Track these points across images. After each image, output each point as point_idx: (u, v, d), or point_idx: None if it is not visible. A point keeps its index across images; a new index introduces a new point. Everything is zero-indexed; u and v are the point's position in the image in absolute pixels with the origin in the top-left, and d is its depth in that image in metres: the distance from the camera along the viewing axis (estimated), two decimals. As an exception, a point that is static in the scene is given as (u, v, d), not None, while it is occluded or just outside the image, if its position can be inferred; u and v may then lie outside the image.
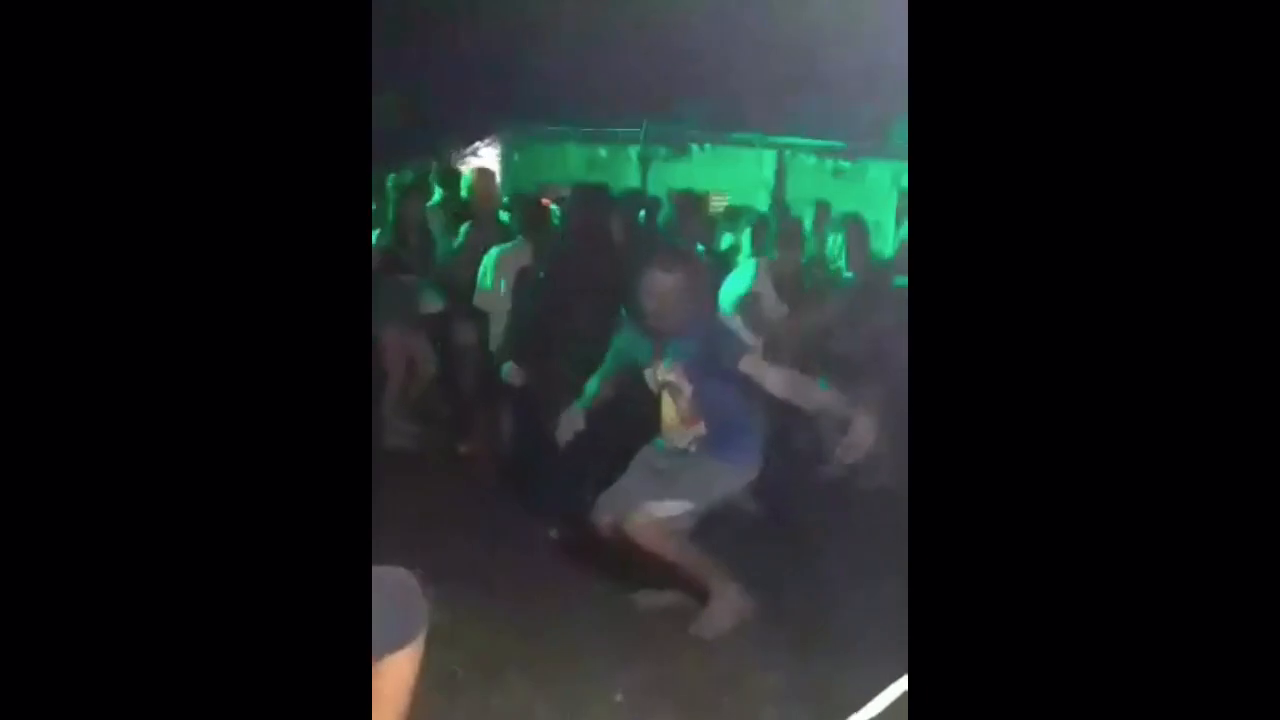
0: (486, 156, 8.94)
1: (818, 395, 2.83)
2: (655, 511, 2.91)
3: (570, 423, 3.05)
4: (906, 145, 1.27)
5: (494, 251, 4.32)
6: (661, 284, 2.88)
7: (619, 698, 2.53)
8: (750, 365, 2.82)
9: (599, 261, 3.66)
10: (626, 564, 3.06)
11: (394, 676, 1.74)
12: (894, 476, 4.01)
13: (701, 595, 2.99)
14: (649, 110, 7.91)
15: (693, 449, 2.99)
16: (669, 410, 3.00)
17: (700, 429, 2.98)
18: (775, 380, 2.80)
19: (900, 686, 1.91)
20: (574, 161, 9.40)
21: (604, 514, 3.04)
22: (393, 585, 1.76)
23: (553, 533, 3.67)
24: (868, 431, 2.74)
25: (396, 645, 1.73)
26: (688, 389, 2.94)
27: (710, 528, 3.12)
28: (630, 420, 3.17)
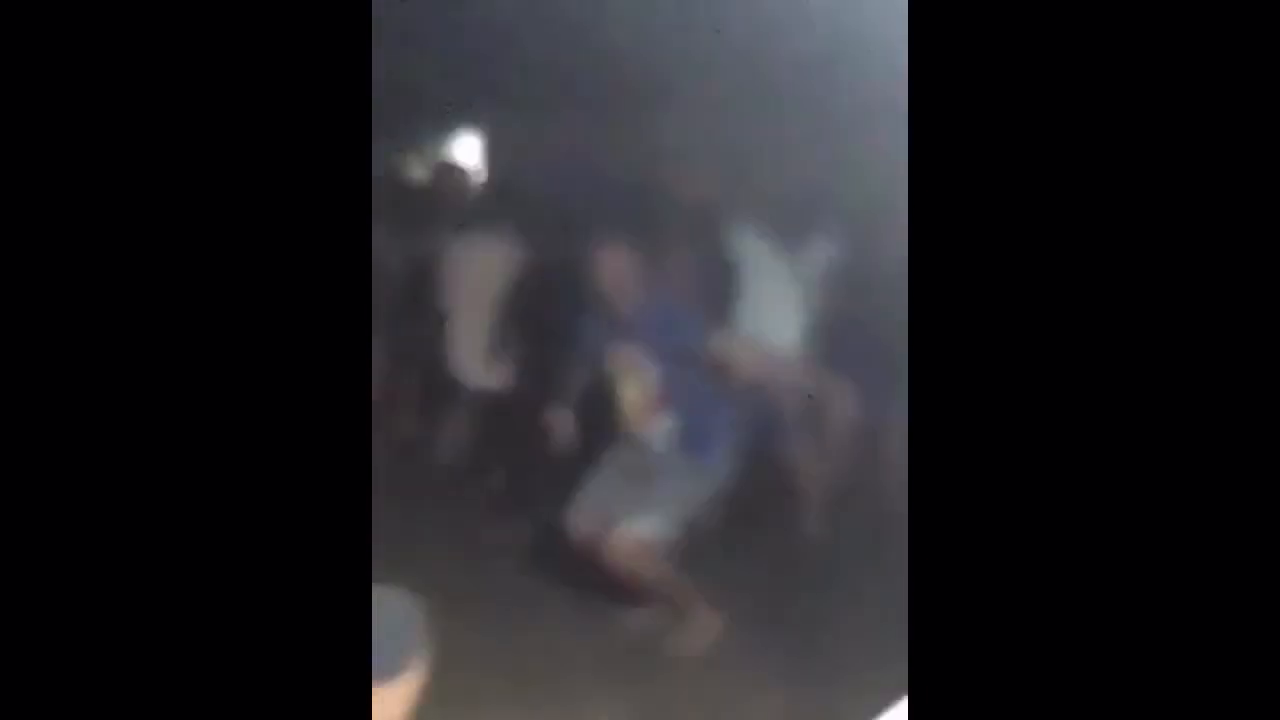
0: (466, 145, 8.83)
1: (790, 370, 2.73)
2: (636, 533, 2.82)
3: (563, 422, 2.94)
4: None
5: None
6: (614, 262, 2.79)
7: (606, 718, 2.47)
8: (719, 344, 2.69)
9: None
10: (601, 577, 3.02)
11: (389, 706, 1.65)
12: (892, 490, 3.96)
13: (677, 613, 2.96)
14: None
15: (663, 445, 2.88)
16: (632, 394, 2.88)
17: (666, 420, 2.86)
18: (746, 359, 2.68)
19: (900, 711, 1.84)
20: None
21: (579, 523, 2.95)
22: (392, 607, 1.66)
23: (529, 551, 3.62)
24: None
25: (393, 672, 1.64)
26: (651, 370, 2.83)
27: (695, 543, 3.07)
28: (598, 414, 3.08)
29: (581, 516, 2.95)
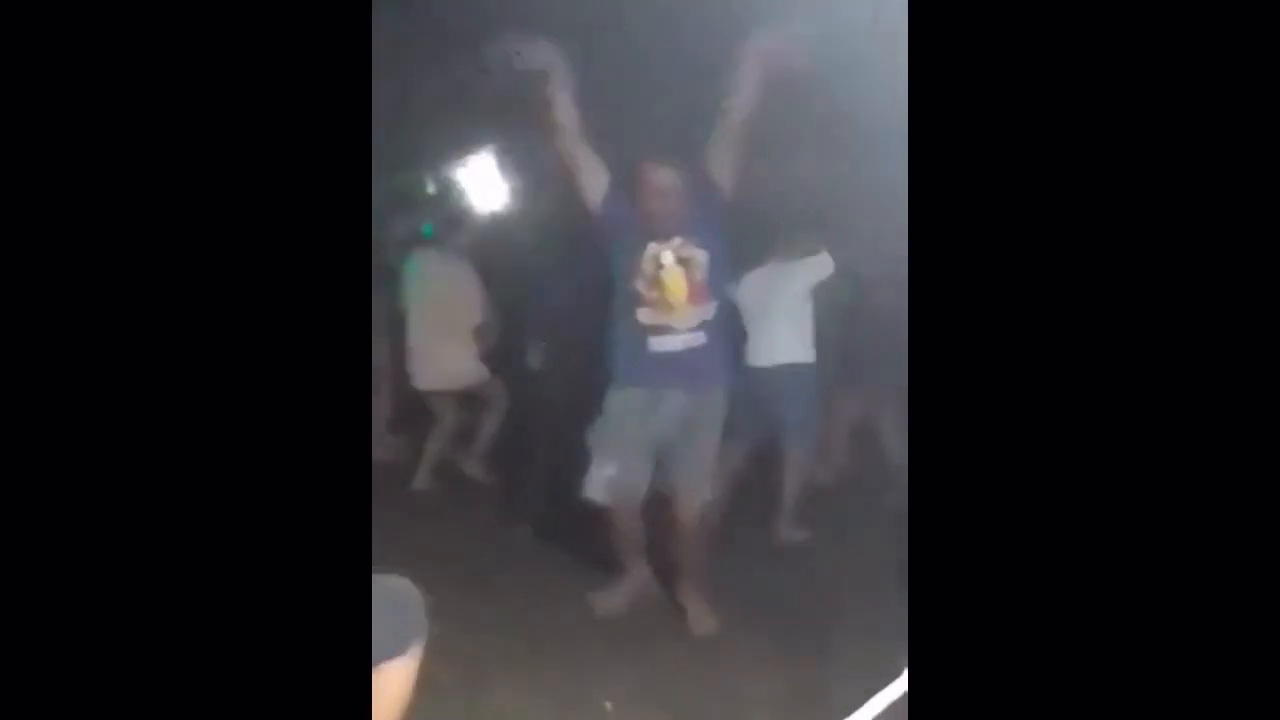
0: (479, 167, 8.87)
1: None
2: (700, 495, 2.91)
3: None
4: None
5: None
6: (663, 179, 2.83)
7: (608, 705, 2.49)
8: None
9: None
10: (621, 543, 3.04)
11: (388, 686, 1.69)
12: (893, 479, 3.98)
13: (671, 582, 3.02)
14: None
15: (701, 339, 2.90)
16: (677, 287, 2.88)
17: (709, 310, 2.91)
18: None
19: (898, 689, 1.86)
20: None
21: (618, 494, 2.96)
22: (391, 592, 1.70)
23: (529, 531, 3.64)
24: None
25: (392, 654, 1.68)
26: (703, 256, 2.88)
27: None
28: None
29: (609, 487, 2.96)
